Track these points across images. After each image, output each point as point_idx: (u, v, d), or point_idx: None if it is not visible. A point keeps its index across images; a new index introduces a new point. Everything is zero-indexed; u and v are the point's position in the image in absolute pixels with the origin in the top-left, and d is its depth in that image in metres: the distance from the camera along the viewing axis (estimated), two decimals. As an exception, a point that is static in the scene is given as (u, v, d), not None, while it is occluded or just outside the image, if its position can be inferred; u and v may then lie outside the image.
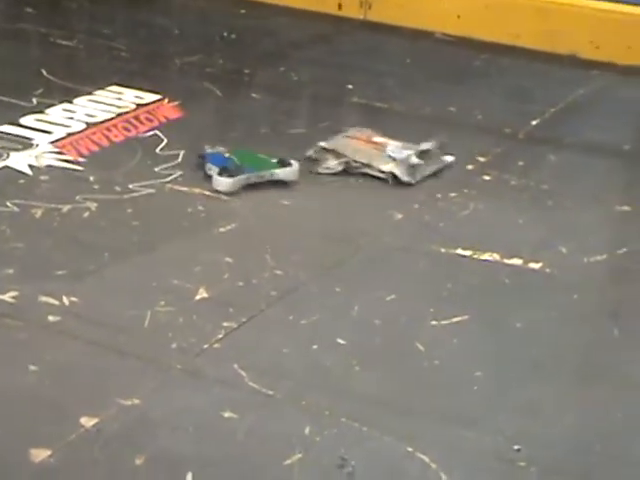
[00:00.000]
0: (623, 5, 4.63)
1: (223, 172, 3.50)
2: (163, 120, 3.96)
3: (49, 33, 4.58)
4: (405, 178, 3.60)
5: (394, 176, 3.61)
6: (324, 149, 3.69)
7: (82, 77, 4.18)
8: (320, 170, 3.66)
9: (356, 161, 3.66)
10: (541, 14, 4.68)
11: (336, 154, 3.68)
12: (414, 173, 3.61)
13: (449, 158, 3.74)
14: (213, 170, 3.52)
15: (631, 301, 3.15)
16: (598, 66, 4.58)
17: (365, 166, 3.65)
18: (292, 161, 3.60)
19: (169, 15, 4.93)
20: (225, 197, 3.47)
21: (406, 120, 4.09)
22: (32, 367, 2.65)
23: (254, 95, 4.26)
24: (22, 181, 3.49)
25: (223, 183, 3.48)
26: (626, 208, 3.61)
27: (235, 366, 2.69)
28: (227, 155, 3.59)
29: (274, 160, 3.60)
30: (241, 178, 3.50)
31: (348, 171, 3.65)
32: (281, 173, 3.57)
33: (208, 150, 3.61)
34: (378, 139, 3.76)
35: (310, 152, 3.70)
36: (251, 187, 3.51)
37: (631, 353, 2.91)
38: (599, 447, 2.53)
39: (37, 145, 3.71)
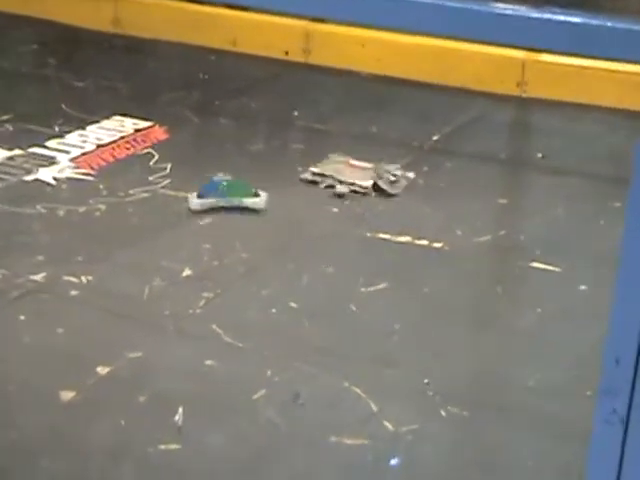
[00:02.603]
0: (500, 49, 4.62)
1: (198, 194, 3.32)
2: (155, 141, 3.92)
3: (66, 77, 4.52)
4: (391, 191, 3.50)
5: (376, 188, 3.49)
6: (315, 173, 3.56)
7: (92, 110, 4.13)
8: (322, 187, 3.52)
9: (342, 181, 3.52)
10: (437, 54, 4.67)
11: (324, 176, 3.56)
12: (394, 186, 3.53)
13: (411, 174, 3.66)
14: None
15: (509, 269, 3.18)
16: (480, 95, 4.59)
17: (350, 184, 3.52)
18: (261, 192, 3.35)
19: (157, 60, 4.89)
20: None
21: (339, 138, 4.08)
22: (59, 330, 2.63)
23: (222, 121, 4.23)
24: (49, 189, 3.45)
25: (192, 202, 3.30)
26: (504, 201, 3.63)
27: (213, 326, 2.69)
28: (223, 182, 3.34)
29: (253, 190, 3.35)
30: (210, 201, 3.30)
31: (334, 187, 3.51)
32: (249, 202, 3.33)
33: (215, 178, 3.38)
34: (354, 162, 3.64)
35: (305, 175, 3.56)
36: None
37: (510, 307, 2.94)
38: (487, 379, 2.55)
39: (59, 162, 3.67)
